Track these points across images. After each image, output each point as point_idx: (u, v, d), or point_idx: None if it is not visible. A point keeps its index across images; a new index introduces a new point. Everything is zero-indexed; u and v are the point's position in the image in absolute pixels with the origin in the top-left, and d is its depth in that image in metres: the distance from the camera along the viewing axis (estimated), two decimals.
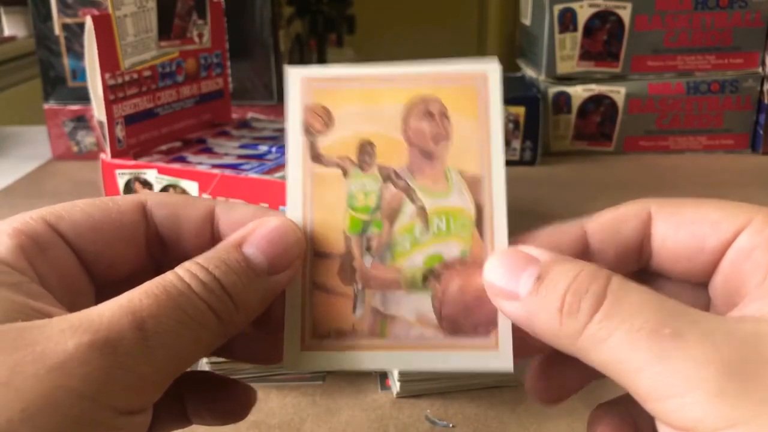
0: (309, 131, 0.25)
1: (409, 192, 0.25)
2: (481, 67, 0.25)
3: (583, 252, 0.24)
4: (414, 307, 0.24)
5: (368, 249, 0.25)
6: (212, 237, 0.24)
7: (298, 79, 0.25)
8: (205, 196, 0.56)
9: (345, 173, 0.25)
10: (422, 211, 0.25)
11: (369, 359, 0.24)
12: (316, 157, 0.25)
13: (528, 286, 0.22)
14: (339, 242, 0.25)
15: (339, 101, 0.25)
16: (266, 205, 0.53)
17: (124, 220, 0.23)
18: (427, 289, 0.24)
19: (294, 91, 0.25)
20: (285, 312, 0.24)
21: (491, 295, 0.23)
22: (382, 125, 0.25)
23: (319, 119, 0.25)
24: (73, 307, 0.20)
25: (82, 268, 0.23)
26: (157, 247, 0.25)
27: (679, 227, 0.23)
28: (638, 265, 0.25)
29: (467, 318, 0.24)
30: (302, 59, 1.11)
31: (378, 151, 0.25)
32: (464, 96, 0.25)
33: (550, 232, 0.25)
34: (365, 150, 0.25)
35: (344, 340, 0.24)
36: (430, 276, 0.24)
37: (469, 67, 0.25)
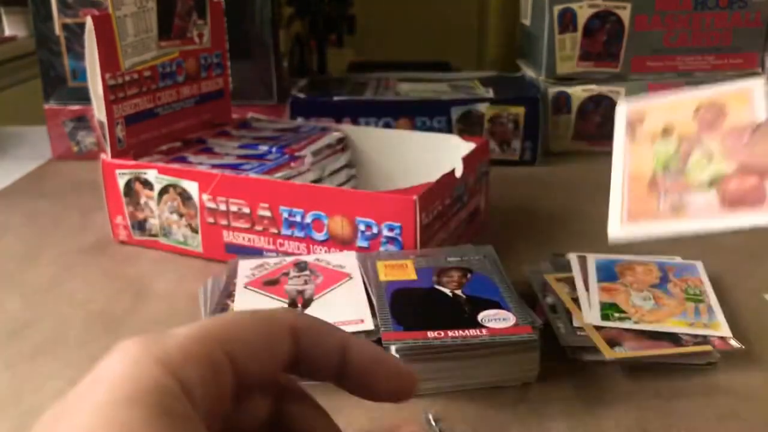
0: (631, 124, 0.44)
1: (699, 143, 0.40)
2: (751, 83, 0.42)
3: None
4: (704, 200, 0.39)
5: (669, 172, 0.41)
6: (340, 363, 0.26)
7: (626, 108, 0.46)
8: (205, 196, 0.56)
9: (654, 140, 0.42)
10: (709, 152, 0.40)
11: (672, 228, 0.39)
12: (633, 133, 0.44)
13: None
14: (650, 170, 0.42)
15: (650, 110, 0.44)
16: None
17: (282, 346, 0.25)
18: (713, 189, 0.39)
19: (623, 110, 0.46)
20: (610, 200, 0.42)
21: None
22: (679, 116, 0.42)
23: (638, 118, 0.44)
24: (212, 416, 0.22)
25: (232, 382, 0.24)
26: (290, 362, 0.26)
27: None
28: None
29: (744, 200, 0.37)
30: (302, 59, 1.11)
31: (675, 128, 0.42)
32: (739, 95, 0.41)
33: None
34: (667, 130, 0.42)
35: (652, 220, 0.40)
36: (715, 182, 0.39)
37: (742, 83, 0.42)
